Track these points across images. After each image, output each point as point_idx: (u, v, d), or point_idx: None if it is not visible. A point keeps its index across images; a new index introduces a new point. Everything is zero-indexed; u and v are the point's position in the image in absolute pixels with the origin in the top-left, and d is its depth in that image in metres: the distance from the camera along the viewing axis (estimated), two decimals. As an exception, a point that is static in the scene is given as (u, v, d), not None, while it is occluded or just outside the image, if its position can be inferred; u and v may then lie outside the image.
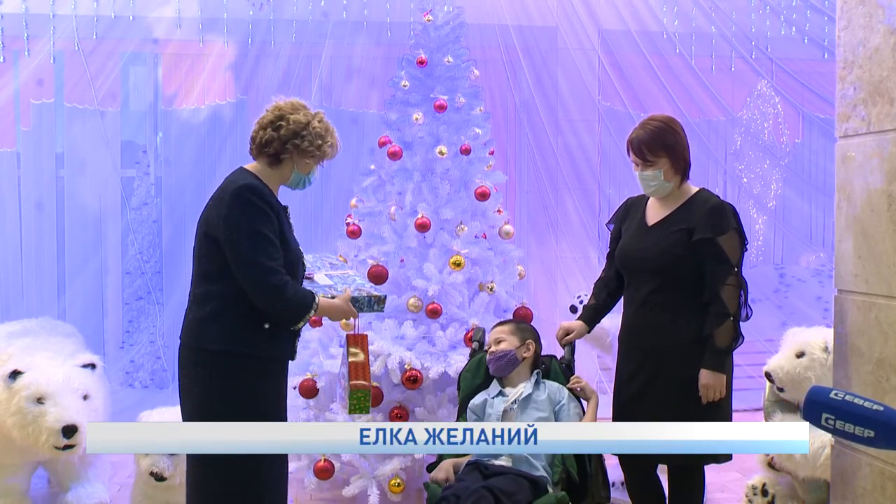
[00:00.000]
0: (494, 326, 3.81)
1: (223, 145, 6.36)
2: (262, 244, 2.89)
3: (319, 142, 3.07)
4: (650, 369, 3.29)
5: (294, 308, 2.94)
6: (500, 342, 3.64)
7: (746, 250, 3.27)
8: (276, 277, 2.88)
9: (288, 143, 3.04)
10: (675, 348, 3.23)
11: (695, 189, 3.37)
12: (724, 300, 3.15)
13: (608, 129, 6.81)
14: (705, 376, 3.18)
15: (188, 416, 3.02)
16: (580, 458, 3.37)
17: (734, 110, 7.07)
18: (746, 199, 7.12)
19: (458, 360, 4.29)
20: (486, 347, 3.85)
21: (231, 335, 2.93)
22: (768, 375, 3.98)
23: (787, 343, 4.03)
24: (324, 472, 4.35)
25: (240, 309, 2.93)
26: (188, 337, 3.01)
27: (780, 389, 3.96)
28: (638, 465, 3.47)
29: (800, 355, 3.88)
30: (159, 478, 3.82)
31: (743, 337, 3.23)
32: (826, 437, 3.44)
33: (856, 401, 1.95)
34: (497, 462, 3.26)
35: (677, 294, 3.25)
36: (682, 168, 3.31)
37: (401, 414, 4.34)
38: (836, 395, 1.98)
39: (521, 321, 4.01)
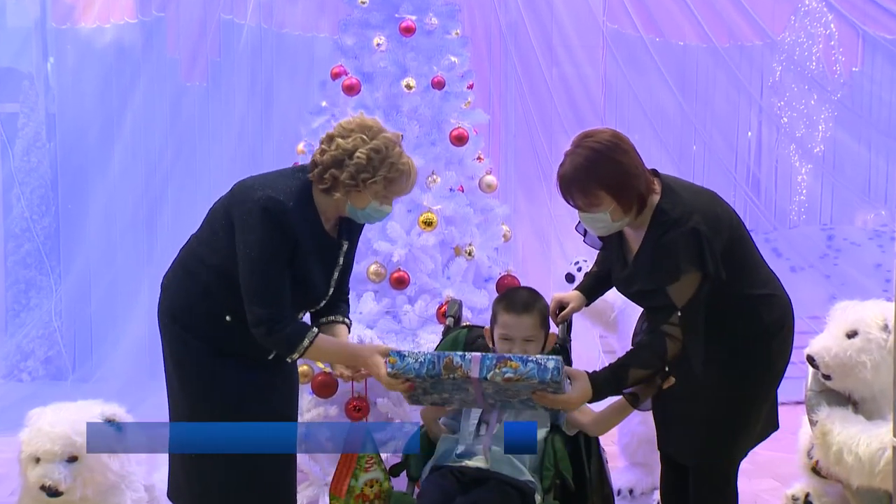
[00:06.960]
0: (509, 311, 3.44)
1: (135, 74, 6.24)
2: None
3: (365, 175, 3.07)
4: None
5: None
6: (529, 341, 3.42)
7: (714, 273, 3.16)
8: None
9: (327, 172, 3.10)
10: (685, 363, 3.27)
11: (656, 199, 3.23)
12: (664, 346, 3.17)
13: (615, 57, 6.81)
14: (578, 389, 3.18)
15: None
16: (577, 462, 3.38)
17: (774, 32, 7.05)
18: (787, 144, 7.14)
19: (430, 340, 4.33)
20: (475, 330, 3.80)
21: None
22: (811, 360, 3.97)
23: (836, 320, 4.02)
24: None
25: None
26: None
27: (827, 377, 3.96)
28: (677, 467, 3.53)
29: (851, 335, 3.88)
30: (53, 492, 3.74)
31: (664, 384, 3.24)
32: (887, 438, 3.44)
33: None
34: (472, 464, 3.26)
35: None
36: (632, 200, 3.17)
37: (359, 406, 4.35)
38: None
39: (536, 296, 3.62)
